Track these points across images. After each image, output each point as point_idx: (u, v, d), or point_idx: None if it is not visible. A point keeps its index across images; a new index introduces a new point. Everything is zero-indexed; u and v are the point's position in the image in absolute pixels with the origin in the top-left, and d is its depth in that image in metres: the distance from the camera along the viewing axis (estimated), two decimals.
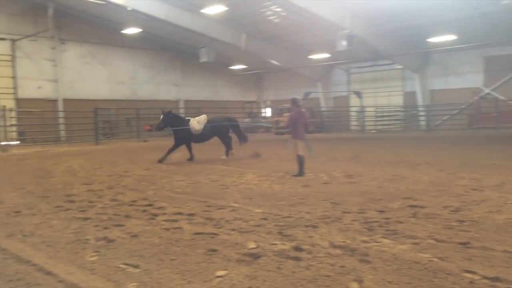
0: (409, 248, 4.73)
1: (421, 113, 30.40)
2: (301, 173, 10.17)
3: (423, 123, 30.06)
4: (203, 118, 14.23)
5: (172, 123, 13.87)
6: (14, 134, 22.66)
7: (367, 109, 31.34)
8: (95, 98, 28.39)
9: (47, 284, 4.05)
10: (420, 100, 30.09)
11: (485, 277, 3.86)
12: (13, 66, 25.53)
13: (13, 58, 25.49)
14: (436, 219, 5.92)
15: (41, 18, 24.63)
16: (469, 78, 27.94)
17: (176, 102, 33.66)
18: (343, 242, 4.98)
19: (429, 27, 24.10)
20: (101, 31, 28.86)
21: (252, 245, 4.95)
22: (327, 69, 34.82)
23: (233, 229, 5.63)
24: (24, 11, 25.43)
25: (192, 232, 5.54)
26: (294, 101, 10.54)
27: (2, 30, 24.96)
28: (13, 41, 25.23)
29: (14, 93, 25.50)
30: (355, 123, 33.03)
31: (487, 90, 27.52)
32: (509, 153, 14.35)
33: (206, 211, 6.72)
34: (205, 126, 13.95)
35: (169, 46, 32.38)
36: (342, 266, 4.25)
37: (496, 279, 3.82)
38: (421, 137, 24.27)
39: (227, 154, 14.48)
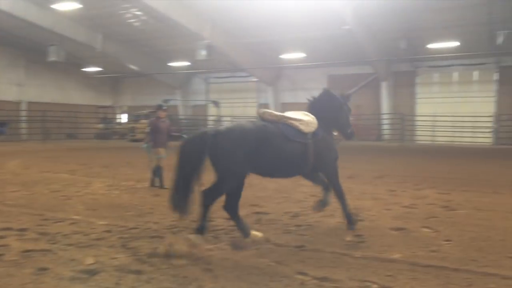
0: (250, 254, 4.90)
1: None
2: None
3: None
4: None
5: None
6: None
7: (224, 118, 32.20)
8: None
9: None
10: None
11: (314, 278, 4.18)
12: None
13: None
14: (276, 224, 6.27)
15: None
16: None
17: (17, 103, 30.36)
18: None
19: (282, 44, 25.84)
20: None
21: (90, 260, 4.62)
22: (187, 77, 34.91)
23: (70, 244, 5.20)
24: None
25: (21, 249, 4.97)
26: (160, 108, 9.82)
27: None
28: None
29: None
30: None
31: None
32: None
33: (40, 225, 6.10)
34: None
35: (11, 41, 29.06)
36: (185, 277, 4.20)
37: (324, 279, 4.15)
38: None
39: None
